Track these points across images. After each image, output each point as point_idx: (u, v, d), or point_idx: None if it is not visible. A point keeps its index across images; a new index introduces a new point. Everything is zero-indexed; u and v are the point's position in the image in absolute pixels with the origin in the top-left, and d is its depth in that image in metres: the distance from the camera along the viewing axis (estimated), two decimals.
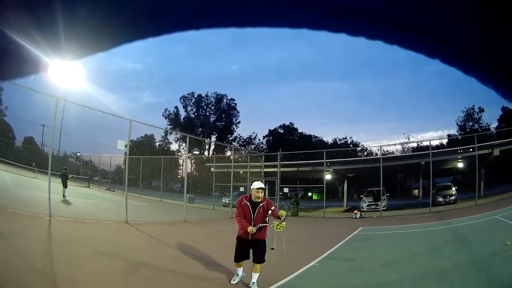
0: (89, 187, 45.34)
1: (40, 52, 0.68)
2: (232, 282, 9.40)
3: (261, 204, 9.13)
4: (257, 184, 9.21)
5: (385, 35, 0.81)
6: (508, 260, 11.13)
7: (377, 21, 0.76)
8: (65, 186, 27.39)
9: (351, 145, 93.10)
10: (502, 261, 11.11)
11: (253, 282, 9.03)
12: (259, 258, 9.08)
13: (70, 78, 19.07)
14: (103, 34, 0.75)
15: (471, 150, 37.92)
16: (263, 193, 9.21)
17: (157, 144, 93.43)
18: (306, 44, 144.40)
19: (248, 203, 9.18)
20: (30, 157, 45.25)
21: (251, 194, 9.26)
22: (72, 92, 25.06)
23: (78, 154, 62.38)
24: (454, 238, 17.13)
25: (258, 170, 39.58)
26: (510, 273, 9.82)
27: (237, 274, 9.50)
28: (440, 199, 37.58)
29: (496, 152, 37.04)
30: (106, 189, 45.95)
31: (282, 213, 9.49)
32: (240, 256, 9.22)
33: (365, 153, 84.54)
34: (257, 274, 9.12)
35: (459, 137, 71.52)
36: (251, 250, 9.23)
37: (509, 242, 13.04)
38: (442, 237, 17.86)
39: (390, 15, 0.74)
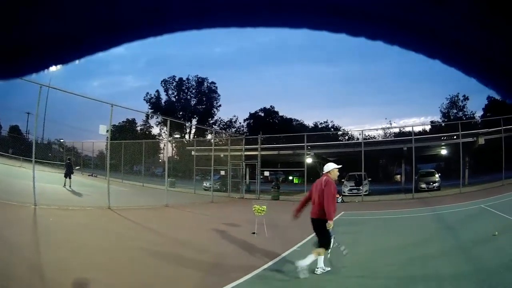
0: (72, 173, 45.41)
1: (39, 52, 0.82)
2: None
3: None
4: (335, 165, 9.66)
5: (385, 35, 0.85)
6: (496, 251, 11.02)
7: (378, 21, 0.80)
8: (69, 176, 27.75)
9: (332, 129, 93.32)
10: (490, 251, 11.07)
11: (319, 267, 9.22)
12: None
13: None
14: (103, 34, 0.79)
15: (455, 137, 38.10)
16: None
17: (138, 128, 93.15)
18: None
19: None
20: (15, 146, 45.28)
21: (328, 176, 9.52)
22: (55, 77, 25.13)
23: (62, 140, 62.22)
24: (440, 225, 17.21)
25: (239, 153, 40.04)
26: (499, 264, 9.55)
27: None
28: (423, 186, 37.87)
29: (481, 140, 37.21)
30: (89, 175, 45.77)
31: None
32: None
33: (347, 137, 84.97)
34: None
35: (443, 124, 72.38)
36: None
37: (496, 233, 13.07)
38: (427, 223, 17.98)
39: (390, 15, 0.78)
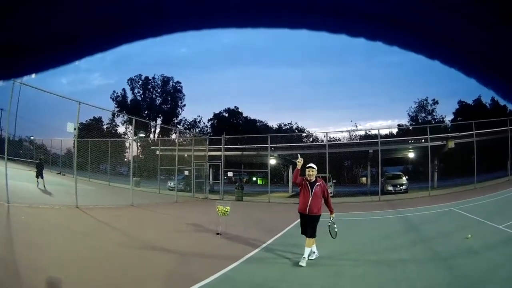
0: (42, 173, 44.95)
1: (39, 53, 0.95)
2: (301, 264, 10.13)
3: (317, 183, 10.47)
4: (308, 165, 10.73)
5: (385, 36, 0.84)
6: (469, 254, 10.98)
7: (378, 21, 0.79)
8: (41, 176, 27.56)
9: (297, 131, 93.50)
10: (463, 254, 11.00)
11: (303, 257, 10.18)
12: (310, 233, 10.32)
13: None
14: (103, 34, 0.78)
15: (423, 141, 38.32)
16: (313, 172, 10.54)
17: (104, 127, 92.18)
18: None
19: (306, 182, 10.51)
20: None
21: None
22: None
23: (32, 138, 61.29)
24: (407, 228, 17.10)
25: (203, 153, 40.46)
26: (473, 267, 9.61)
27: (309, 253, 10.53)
28: (390, 188, 37.79)
29: (451, 144, 37.77)
30: (57, 173, 45.05)
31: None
32: (303, 230, 10.56)
33: (311, 139, 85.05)
34: (309, 249, 10.34)
35: (410, 128, 72.71)
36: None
37: (469, 235, 13.04)
38: (394, 226, 17.78)
39: (390, 16, 0.78)
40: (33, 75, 0.87)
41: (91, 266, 9.41)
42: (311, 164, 10.76)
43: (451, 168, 51.48)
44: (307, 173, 10.65)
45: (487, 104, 74.08)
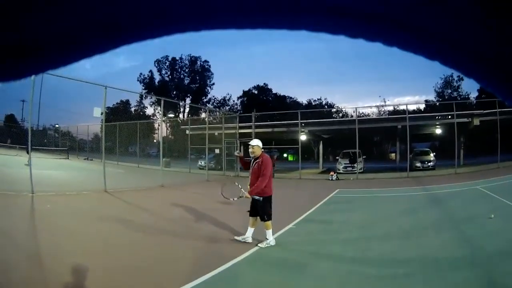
0: (68, 158, 45.46)
1: (37, 54, 0.82)
2: (235, 237, 10.13)
3: (256, 161, 9.86)
4: (251, 141, 10.17)
5: (384, 36, 0.87)
6: (491, 233, 10.74)
7: (377, 22, 0.81)
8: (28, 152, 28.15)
9: (326, 106, 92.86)
10: (486, 233, 10.81)
11: (266, 240, 9.67)
12: (260, 216, 9.82)
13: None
14: (101, 36, 0.79)
15: (449, 117, 37.62)
16: (253, 149, 9.95)
17: (132, 109, 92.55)
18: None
19: (252, 158, 10.09)
20: (12, 135, 45.65)
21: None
22: None
23: (57, 126, 62.19)
24: (435, 205, 16.87)
25: (233, 131, 40.20)
26: (493, 246, 9.26)
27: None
28: (418, 164, 37.65)
29: (476, 121, 36.94)
30: (84, 159, 45.74)
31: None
32: (250, 211, 10.08)
33: (340, 114, 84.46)
34: (268, 231, 9.73)
35: (437, 104, 72.85)
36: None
37: (492, 215, 12.70)
38: (422, 202, 17.75)
39: (390, 16, 0.80)
40: (33, 77, 0.83)
41: (120, 249, 9.27)
42: (251, 142, 10.26)
43: (476, 145, 50.72)
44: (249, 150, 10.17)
45: None
